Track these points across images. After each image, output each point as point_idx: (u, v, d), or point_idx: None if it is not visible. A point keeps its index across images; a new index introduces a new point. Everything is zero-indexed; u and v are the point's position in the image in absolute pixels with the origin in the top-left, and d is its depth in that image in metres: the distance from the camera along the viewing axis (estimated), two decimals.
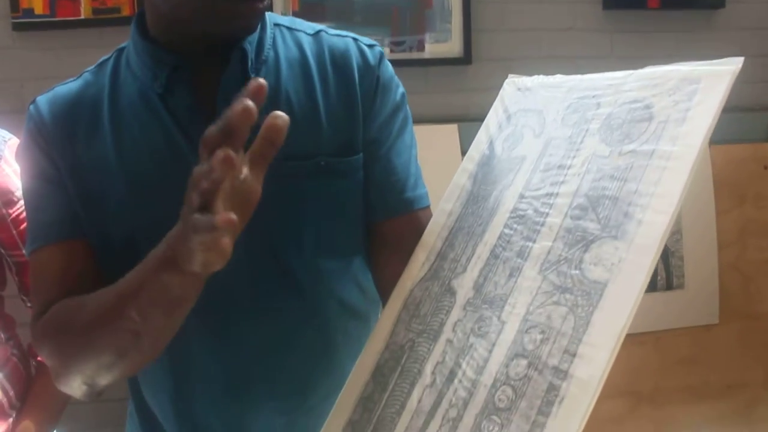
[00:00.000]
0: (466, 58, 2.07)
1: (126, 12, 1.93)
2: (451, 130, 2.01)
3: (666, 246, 2.22)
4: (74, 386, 0.82)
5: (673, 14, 2.20)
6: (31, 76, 1.93)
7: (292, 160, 0.85)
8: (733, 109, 2.14)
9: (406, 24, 2.05)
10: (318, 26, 0.94)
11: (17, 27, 1.91)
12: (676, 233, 2.16)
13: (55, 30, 1.92)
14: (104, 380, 0.81)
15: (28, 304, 1.36)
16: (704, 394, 2.26)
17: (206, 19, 0.79)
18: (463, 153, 1.97)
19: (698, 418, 2.25)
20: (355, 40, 0.92)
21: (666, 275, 2.16)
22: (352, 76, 0.89)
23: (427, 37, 2.05)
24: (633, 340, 2.09)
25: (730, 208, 2.23)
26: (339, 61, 0.90)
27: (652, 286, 2.14)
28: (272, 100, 0.85)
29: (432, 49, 2.06)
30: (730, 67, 0.69)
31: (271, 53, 0.88)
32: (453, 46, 2.07)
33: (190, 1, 0.78)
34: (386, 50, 2.00)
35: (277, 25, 0.91)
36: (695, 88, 0.69)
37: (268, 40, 0.88)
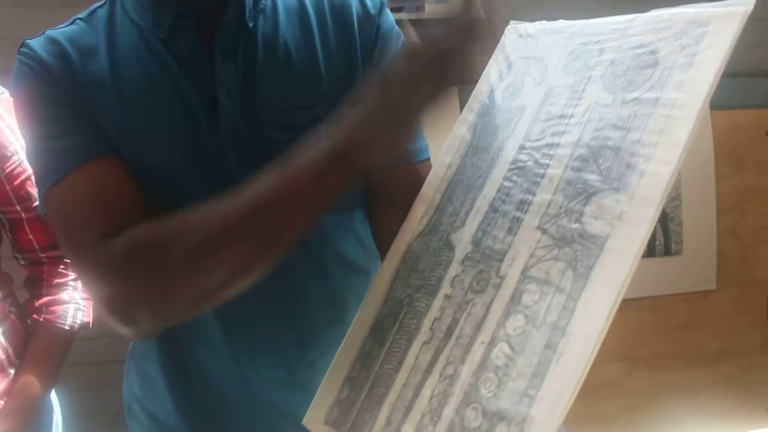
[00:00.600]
0: None
1: None
2: (451, 91, 1.98)
3: (665, 211, 2.21)
4: (141, 318, 0.74)
5: None
6: (26, 34, 1.88)
7: (292, 111, 0.83)
8: (734, 74, 2.11)
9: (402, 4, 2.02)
10: None
11: None
12: (675, 199, 2.14)
13: None
14: (209, 304, 0.77)
15: (22, 262, 1.35)
16: (700, 360, 2.27)
17: None
18: None
19: (693, 383, 2.26)
20: None
21: (664, 241, 2.15)
22: (352, 25, 0.87)
23: None
24: (629, 306, 2.10)
25: (729, 174, 2.22)
26: (338, 9, 0.88)
27: (650, 252, 2.13)
28: (270, 49, 0.84)
29: (432, 9, 2.02)
30: (740, 7, 0.66)
31: (269, 1, 0.86)
32: (453, 7, 2.02)
33: None
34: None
35: None
36: (703, 32, 0.67)
37: None
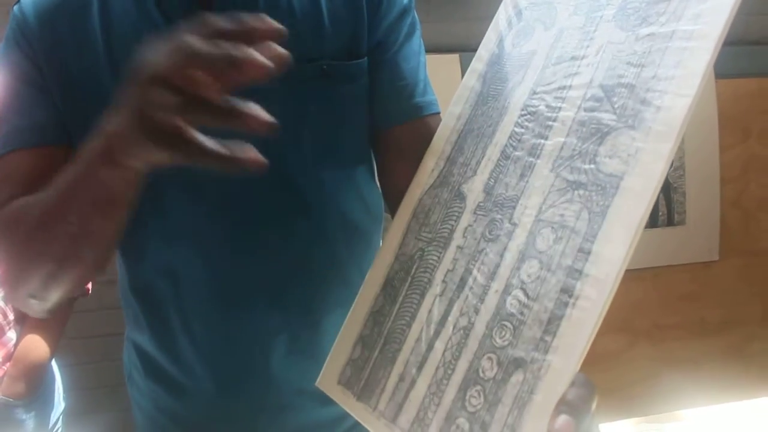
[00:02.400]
0: None
1: None
2: (453, 59, 1.96)
3: (668, 181, 2.18)
4: (20, 296, 0.76)
5: None
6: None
7: (295, 64, 0.81)
8: (739, 42, 2.10)
9: None
10: None
11: None
12: (678, 168, 2.13)
13: None
14: (50, 293, 0.75)
15: None
16: (702, 331, 2.26)
17: None
18: None
19: (695, 353, 2.25)
20: None
21: (667, 211, 2.14)
22: None
23: None
24: (632, 276, 2.09)
25: (734, 144, 2.20)
26: None
27: (653, 222, 2.12)
28: (271, 1, 0.81)
29: None
30: None
31: None
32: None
33: None
34: None
35: None
36: None
37: None
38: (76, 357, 1.76)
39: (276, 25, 0.57)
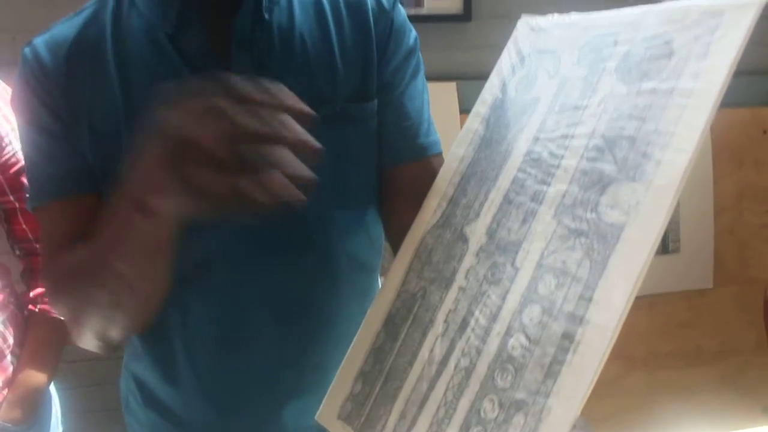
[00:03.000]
0: (465, 15, 2.04)
1: None
2: (450, 88, 1.98)
3: None
4: (88, 340, 0.79)
5: None
6: (24, 27, 1.87)
7: (308, 106, 0.82)
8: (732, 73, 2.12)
9: None
10: None
11: None
12: None
13: None
14: (114, 333, 0.78)
15: (17, 253, 1.34)
16: (697, 358, 2.27)
17: None
18: (462, 111, 1.96)
19: (690, 381, 2.26)
20: None
21: (662, 239, 2.16)
22: (367, 19, 0.86)
23: None
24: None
25: (728, 173, 2.22)
26: (353, 4, 0.87)
27: None
28: (286, 42, 0.83)
29: (431, 5, 2.02)
30: None
31: None
32: (452, 2, 2.03)
33: None
34: None
35: None
36: (717, 22, 0.66)
37: None
38: (75, 380, 1.76)
39: (306, 109, 0.60)
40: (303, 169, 0.60)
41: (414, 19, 1.98)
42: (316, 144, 0.59)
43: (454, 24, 2.05)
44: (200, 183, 0.57)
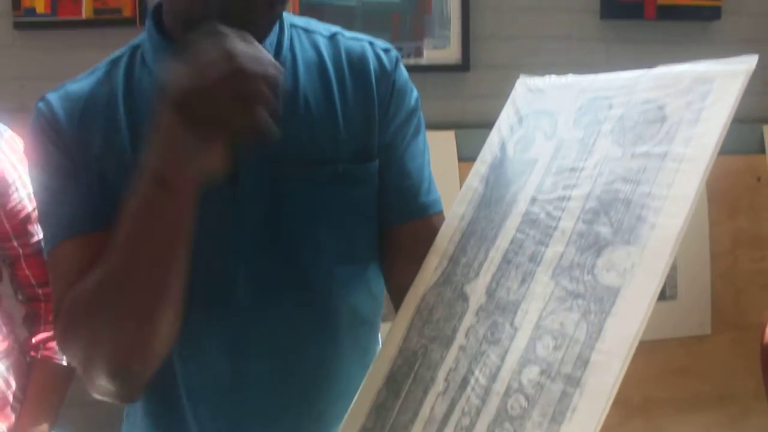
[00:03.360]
0: (464, 65, 2.08)
1: (127, 13, 1.92)
2: (449, 136, 2.01)
3: None
4: (103, 383, 0.78)
5: (670, 25, 2.21)
6: (32, 75, 1.92)
7: (311, 166, 0.84)
8: None
9: (405, 30, 2.05)
10: (333, 28, 0.93)
11: (18, 26, 1.90)
12: None
13: (56, 29, 1.91)
14: (134, 360, 0.77)
15: (20, 298, 1.36)
16: (696, 405, 2.27)
17: (220, 21, 0.77)
18: (460, 159, 1.98)
19: (689, 428, 2.25)
20: (371, 43, 0.91)
21: None
22: (370, 80, 0.88)
23: (426, 43, 2.06)
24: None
25: (723, 219, 2.24)
26: (356, 65, 0.89)
27: None
28: (290, 103, 0.84)
29: (430, 55, 2.06)
30: (744, 65, 0.68)
31: (289, 55, 0.87)
32: (451, 53, 2.07)
33: (210, 5, 0.75)
34: None
35: (293, 26, 0.90)
36: (708, 89, 0.69)
37: (286, 42, 0.87)
38: (76, 426, 1.75)
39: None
40: (277, 103, 0.69)
41: (414, 69, 2.04)
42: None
43: (453, 74, 2.09)
44: (206, 122, 0.66)
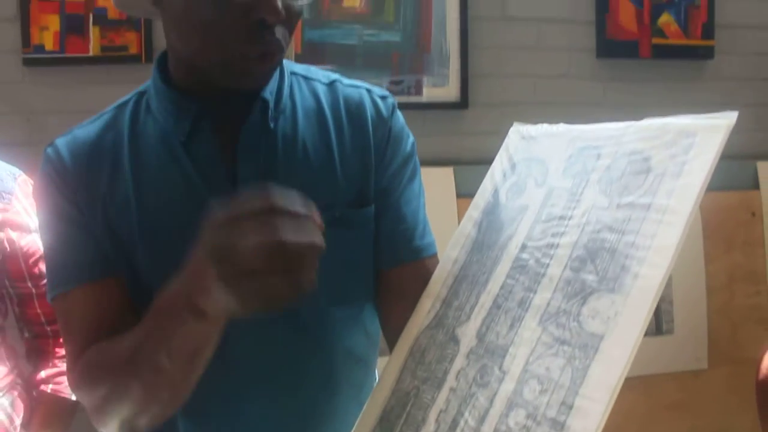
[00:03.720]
0: (462, 103, 2.12)
1: (133, 50, 1.97)
2: (447, 172, 2.04)
3: None
4: (111, 428, 0.82)
5: (665, 64, 2.26)
6: (39, 109, 1.96)
7: None
8: (721, 157, 2.19)
9: (405, 68, 2.10)
10: (332, 75, 0.96)
11: (27, 62, 1.94)
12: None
13: (63, 66, 1.96)
14: (142, 421, 0.80)
15: (26, 335, 1.38)
16: None
17: (222, 72, 0.81)
18: (459, 195, 2.01)
19: None
20: (368, 91, 0.94)
21: (655, 320, 2.18)
22: (366, 127, 0.91)
23: (426, 81, 2.10)
24: (622, 385, 2.11)
25: (719, 254, 2.26)
26: (354, 112, 0.92)
27: None
28: (290, 149, 0.87)
29: (430, 93, 2.11)
30: (724, 121, 0.71)
31: (289, 102, 0.90)
32: (450, 91, 2.11)
33: (208, 52, 0.79)
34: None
35: (293, 73, 0.93)
36: (691, 142, 0.72)
37: (286, 89, 0.90)
38: None
39: (320, 221, 0.66)
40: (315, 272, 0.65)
41: (414, 106, 2.09)
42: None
43: (451, 111, 2.13)
44: (243, 286, 0.62)
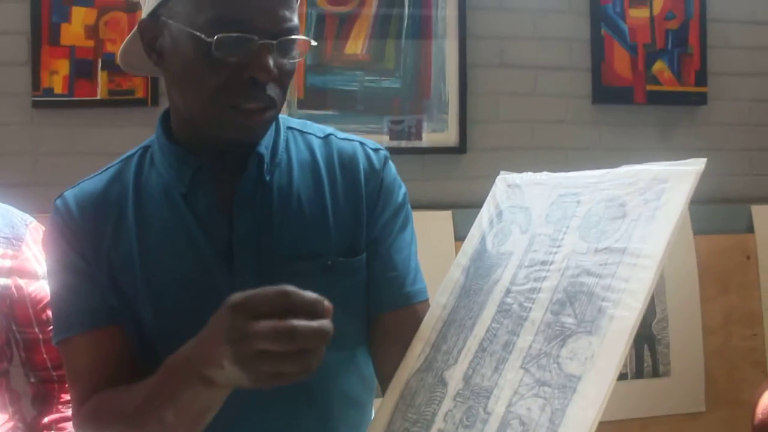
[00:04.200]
0: (461, 147, 2.16)
1: (140, 94, 2.03)
2: (446, 216, 2.08)
3: (652, 333, 2.25)
4: None
5: (659, 109, 2.32)
6: (46, 151, 2.01)
7: (302, 260, 0.90)
8: (716, 201, 2.24)
9: (405, 114, 2.15)
10: (328, 129, 1.00)
11: (37, 104, 2.00)
12: (662, 320, 2.21)
13: (71, 108, 2.01)
14: None
15: (32, 380, 1.40)
16: None
17: (218, 126, 0.85)
18: (457, 238, 2.05)
19: None
20: (362, 144, 0.98)
21: (652, 362, 2.20)
22: (359, 179, 0.95)
23: (425, 126, 2.15)
24: (619, 427, 2.13)
25: (714, 297, 2.29)
26: (347, 164, 0.96)
27: (639, 373, 2.18)
28: (285, 201, 0.91)
29: (429, 137, 2.15)
30: (694, 167, 0.75)
31: (284, 156, 0.94)
32: (449, 136, 2.16)
33: (207, 111, 0.84)
34: (385, 137, 2.09)
35: (290, 128, 0.98)
36: (663, 188, 0.76)
37: (282, 143, 0.95)
38: None
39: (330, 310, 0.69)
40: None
41: (413, 151, 2.13)
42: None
43: (450, 156, 2.17)
44: (254, 366, 0.66)
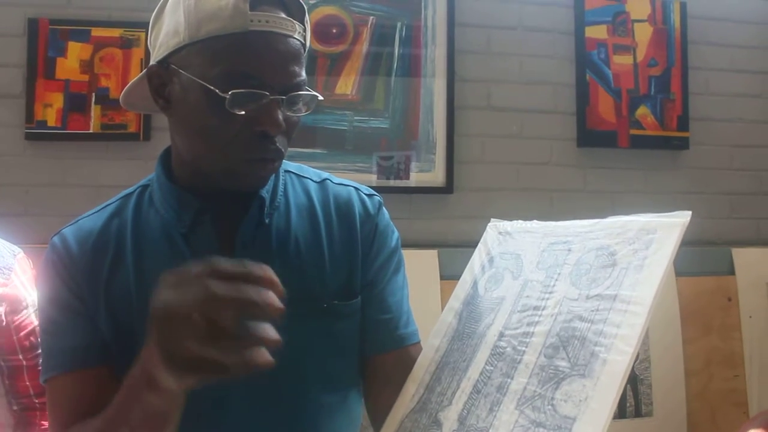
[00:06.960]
0: (448, 188, 2.20)
1: (132, 129, 2.04)
2: (432, 255, 2.10)
3: (635, 373, 2.27)
4: None
5: (642, 153, 2.36)
6: (38, 182, 2.03)
7: (299, 303, 0.90)
8: (698, 243, 2.28)
9: (394, 151, 2.18)
10: (323, 174, 1.03)
11: (30, 136, 2.02)
12: (644, 361, 2.23)
13: (64, 141, 2.03)
14: None
15: (14, 407, 1.40)
16: None
17: (224, 176, 0.87)
18: (442, 277, 2.07)
19: None
20: (356, 189, 1.01)
21: (635, 402, 2.22)
22: (354, 223, 0.97)
23: (413, 166, 2.18)
24: None
25: (696, 338, 2.32)
26: (343, 209, 0.98)
27: (621, 413, 2.20)
28: (283, 243, 0.93)
29: (417, 177, 2.18)
30: (681, 219, 0.79)
31: (283, 199, 0.96)
32: (436, 176, 2.19)
33: (216, 161, 0.86)
34: (373, 176, 2.12)
35: (287, 171, 1.00)
36: (651, 238, 0.79)
37: (281, 187, 0.97)
38: None
39: (275, 279, 0.68)
40: (271, 332, 0.68)
41: (401, 190, 2.16)
42: (280, 304, 0.67)
43: (437, 195, 2.20)
44: (188, 354, 0.65)
